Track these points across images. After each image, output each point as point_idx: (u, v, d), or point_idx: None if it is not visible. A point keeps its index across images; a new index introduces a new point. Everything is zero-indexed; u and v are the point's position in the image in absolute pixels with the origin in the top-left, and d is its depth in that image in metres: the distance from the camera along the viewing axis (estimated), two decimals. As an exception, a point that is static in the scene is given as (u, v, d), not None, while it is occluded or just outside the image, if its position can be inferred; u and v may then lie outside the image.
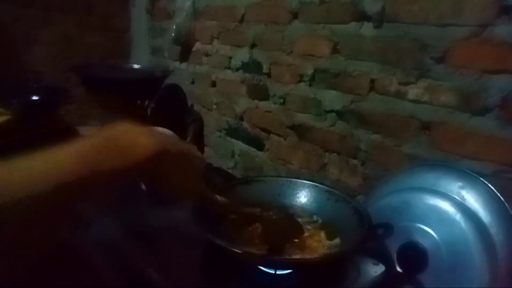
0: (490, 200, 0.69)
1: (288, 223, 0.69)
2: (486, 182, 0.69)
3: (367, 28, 0.90)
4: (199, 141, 1.62)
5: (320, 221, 0.75)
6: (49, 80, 1.60)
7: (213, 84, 1.47)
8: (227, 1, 1.32)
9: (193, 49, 1.55)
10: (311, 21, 1.04)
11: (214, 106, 1.48)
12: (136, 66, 1.68)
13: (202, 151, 1.61)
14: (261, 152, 1.28)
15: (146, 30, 1.89)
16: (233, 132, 1.41)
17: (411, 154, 0.84)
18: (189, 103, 1.63)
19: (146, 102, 1.52)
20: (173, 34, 1.52)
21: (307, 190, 0.81)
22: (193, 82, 1.59)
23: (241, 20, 1.27)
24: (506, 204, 0.67)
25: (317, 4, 1.01)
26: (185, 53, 1.59)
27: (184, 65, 1.62)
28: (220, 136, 1.47)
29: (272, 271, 0.64)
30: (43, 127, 0.68)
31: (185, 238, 0.71)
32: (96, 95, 1.55)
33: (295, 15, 1.08)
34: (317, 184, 0.81)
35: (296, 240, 0.69)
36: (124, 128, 0.43)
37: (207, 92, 1.51)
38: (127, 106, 1.51)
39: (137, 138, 0.43)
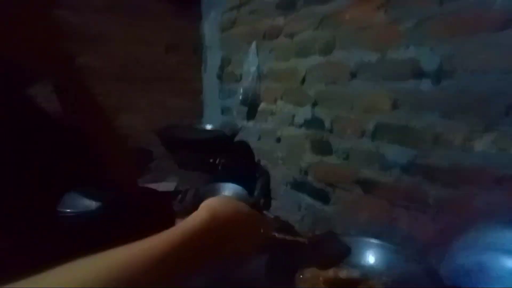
0: None
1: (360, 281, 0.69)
2: None
3: (426, 85, 0.91)
4: (266, 194, 1.68)
5: (389, 282, 0.74)
6: (134, 143, 1.80)
7: (278, 140, 1.54)
8: (289, 65, 1.42)
9: (259, 109, 1.65)
10: (370, 79, 1.07)
11: (280, 161, 1.54)
12: (208, 126, 1.83)
13: (269, 204, 1.66)
14: (327, 206, 1.29)
15: (216, 92, 2.06)
16: (299, 186, 1.44)
17: (485, 210, 0.80)
18: (256, 159, 1.72)
19: (218, 159, 1.64)
20: (240, 96, 1.65)
21: (375, 249, 0.80)
22: (259, 139, 1.68)
23: (303, 81, 1.35)
24: None
25: (375, 64, 1.05)
26: (252, 112, 1.70)
27: (251, 123, 1.73)
28: (286, 190, 1.51)
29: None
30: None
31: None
32: (174, 154, 1.71)
33: (354, 75, 1.13)
34: (384, 244, 0.80)
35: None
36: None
37: (272, 148, 1.58)
38: (201, 163, 1.64)
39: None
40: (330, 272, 0.73)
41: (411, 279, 0.72)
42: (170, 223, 0.68)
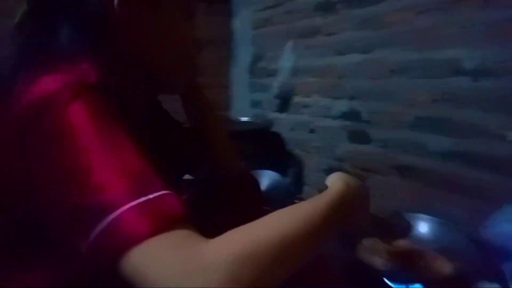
0: None
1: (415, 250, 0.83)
2: None
3: (466, 81, 1.04)
4: (299, 180, 1.81)
5: (439, 250, 0.87)
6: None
7: (312, 131, 1.67)
8: (326, 61, 1.55)
9: (292, 102, 1.78)
10: (410, 76, 1.20)
11: (314, 150, 1.67)
12: (244, 119, 1.95)
13: (301, 190, 1.79)
14: (363, 191, 1.42)
15: (245, 87, 2.19)
16: (333, 172, 1.57)
17: (518, 190, 0.94)
18: (289, 148, 1.85)
19: (253, 149, 1.77)
20: (276, 90, 1.77)
21: (423, 223, 0.94)
22: (292, 130, 1.81)
23: (340, 77, 1.48)
24: None
25: (415, 62, 1.18)
26: (285, 105, 1.83)
27: (283, 115, 1.86)
28: (320, 176, 1.64)
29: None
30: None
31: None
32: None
33: (393, 71, 1.26)
34: (432, 218, 0.93)
35: (422, 264, 0.82)
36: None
37: (306, 138, 1.71)
38: (239, 152, 1.77)
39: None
40: (391, 244, 0.86)
41: (457, 247, 0.86)
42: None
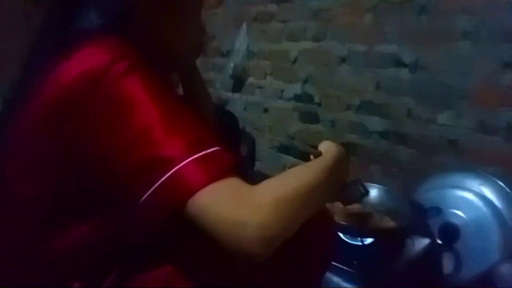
0: (500, 191, 1.03)
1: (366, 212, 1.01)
2: (497, 180, 1.03)
3: (404, 73, 1.25)
4: (252, 157, 1.94)
5: (383, 209, 1.07)
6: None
7: (265, 110, 1.81)
8: (281, 46, 1.67)
9: (246, 83, 1.89)
10: (358, 65, 1.38)
11: (267, 128, 1.81)
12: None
13: (253, 165, 1.93)
14: (312, 165, 1.61)
15: (198, 65, 2.22)
16: (284, 149, 1.73)
17: (441, 163, 1.18)
18: (241, 126, 1.96)
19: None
20: (230, 71, 1.86)
21: (371, 189, 1.13)
22: (245, 109, 1.92)
23: (294, 61, 1.62)
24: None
25: (362, 53, 1.36)
26: (238, 86, 1.93)
27: (236, 95, 1.96)
28: (271, 153, 1.80)
29: (360, 243, 0.96)
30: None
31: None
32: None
33: (343, 60, 1.43)
34: (374, 185, 1.13)
35: (371, 222, 1.01)
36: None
37: (259, 117, 1.84)
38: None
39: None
40: (349, 207, 1.04)
41: (397, 209, 1.06)
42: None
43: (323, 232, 0.71)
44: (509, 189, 1.01)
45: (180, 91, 0.82)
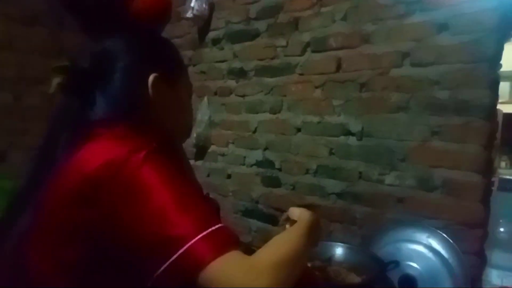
0: (446, 243, 1.17)
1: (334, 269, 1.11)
2: (441, 232, 1.18)
3: (353, 140, 1.42)
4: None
5: (347, 265, 1.16)
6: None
7: (229, 176, 1.90)
8: (241, 117, 1.82)
9: (208, 150, 1.99)
10: (312, 133, 1.55)
11: (230, 193, 1.89)
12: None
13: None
14: (277, 227, 1.69)
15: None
16: (249, 213, 1.81)
17: (392, 218, 1.32)
18: (205, 192, 2.02)
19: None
20: (194, 140, 1.96)
21: (335, 247, 1.23)
22: (208, 175, 2.00)
23: (254, 131, 1.76)
24: (454, 244, 1.15)
25: (315, 123, 1.53)
26: (201, 154, 2.03)
27: (199, 162, 2.04)
28: (236, 217, 1.86)
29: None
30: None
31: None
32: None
33: (298, 129, 1.59)
34: (339, 243, 1.23)
35: (339, 279, 1.10)
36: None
37: (223, 183, 1.92)
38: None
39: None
40: (317, 265, 1.12)
41: (361, 263, 1.16)
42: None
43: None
44: (451, 239, 1.16)
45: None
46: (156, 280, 0.50)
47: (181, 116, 0.77)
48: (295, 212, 0.81)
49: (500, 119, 4.14)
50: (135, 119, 0.65)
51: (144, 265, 0.52)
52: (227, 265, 0.50)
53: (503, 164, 4.97)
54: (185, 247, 0.49)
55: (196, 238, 0.50)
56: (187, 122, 0.80)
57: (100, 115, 0.64)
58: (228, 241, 0.52)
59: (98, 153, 0.57)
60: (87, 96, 0.65)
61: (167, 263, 0.49)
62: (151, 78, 0.68)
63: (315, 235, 0.75)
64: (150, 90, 0.67)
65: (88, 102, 0.64)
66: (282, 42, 1.65)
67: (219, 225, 0.53)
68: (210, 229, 0.51)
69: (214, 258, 0.50)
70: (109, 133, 0.60)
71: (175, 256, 0.49)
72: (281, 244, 0.62)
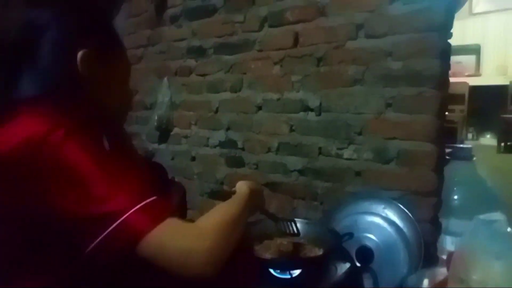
0: (401, 213, 1.19)
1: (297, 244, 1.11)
2: (397, 203, 1.19)
3: (312, 116, 1.41)
4: (183, 206, 1.96)
5: (306, 240, 1.16)
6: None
7: (193, 158, 1.87)
8: (203, 97, 1.78)
9: (171, 133, 1.95)
10: (272, 111, 1.53)
11: (195, 176, 1.87)
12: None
13: (185, 215, 1.95)
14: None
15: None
16: (215, 194, 1.79)
17: (351, 191, 1.32)
18: (170, 176, 1.99)
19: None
20: (155, 123, 1.91)
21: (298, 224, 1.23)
22: (173, 159, 1.97)
23: (216, 111, 1.73)
24: (409, 213, 1.17)
25: (275, 101, 1.51)
26: (164, 137, 1.98)
27: (163, 145, 2.00)
28: (203, 200, 1.84)
29: (288, 276, 1.04)
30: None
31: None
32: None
33: (259, 107, 1.57)
34: (301, 220, 1.23)
35: (302, 253, 1.10)
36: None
37: (187, 166, 1.89)
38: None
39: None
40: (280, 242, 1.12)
41: (320, 235, 1.16)
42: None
43: (244, 267, 0.79)
44: (406, 208, 1.18)
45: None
46: (90, 255, 0.50)
47: (116, 95, 0.72)
48: (238, 185, 0.88)
49: (466, 91, 4.26)
50: (62, 97, 0.61)
51: (77, 242, 0.51)
52: (167, 230, 0.51)
53: (469, 135, 5.15)
54: (119, 221, 0.50)
55: (131, 211, 0.50)
56: (124, 101, 0.76)
57: (24, 93, 0.59)
58: (164, 211, 0.53)
59: (16, 132, 0.54)
60: (10, 72, 0.60)
61: (100, 237, 0.49)
62: (80, 53, 0.63)
63: (252, 204, 0.81)
64: (79, 66, 0.63)
65: (11, 79, 0.60)
66: (240, 17, 1.61)
67: (154, 197, 0.53)
68: (144, 202, 0.52)
69: (152, 227, 0.50)
70: (31, 111, 0.57)
71: (108, 230, 0.49)
72: (221, 211, 0.67)
